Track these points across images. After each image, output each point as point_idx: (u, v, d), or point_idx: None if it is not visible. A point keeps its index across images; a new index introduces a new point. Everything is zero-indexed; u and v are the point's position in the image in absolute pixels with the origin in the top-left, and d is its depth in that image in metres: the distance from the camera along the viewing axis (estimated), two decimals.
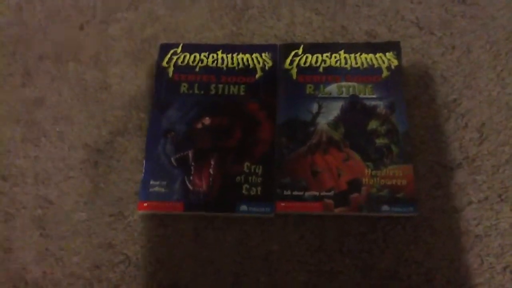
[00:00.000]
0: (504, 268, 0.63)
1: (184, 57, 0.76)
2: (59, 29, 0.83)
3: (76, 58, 0.81)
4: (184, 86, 0.73)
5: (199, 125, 0.71)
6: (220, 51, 0.76)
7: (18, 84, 0.79)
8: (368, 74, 0.72)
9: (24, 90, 0.79)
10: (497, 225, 0.65)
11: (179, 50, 0.76)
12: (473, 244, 0.64)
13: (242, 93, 0.73)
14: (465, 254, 0.64)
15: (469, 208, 0.66)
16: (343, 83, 0.72)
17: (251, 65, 0.75)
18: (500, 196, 0.66)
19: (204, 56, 0.76)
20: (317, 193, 0.65)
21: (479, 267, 0.63)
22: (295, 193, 0.66)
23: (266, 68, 0.74)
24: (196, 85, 0.73)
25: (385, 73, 0.72)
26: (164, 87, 0.74)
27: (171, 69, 0.75)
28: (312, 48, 0.75)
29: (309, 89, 0.72)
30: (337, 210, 0.65)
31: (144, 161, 0.69)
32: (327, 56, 0.74)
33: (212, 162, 0.68)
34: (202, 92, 0.73)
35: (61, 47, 0.82)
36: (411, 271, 0.63)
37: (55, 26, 0.84)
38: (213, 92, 0.73)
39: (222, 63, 0.75)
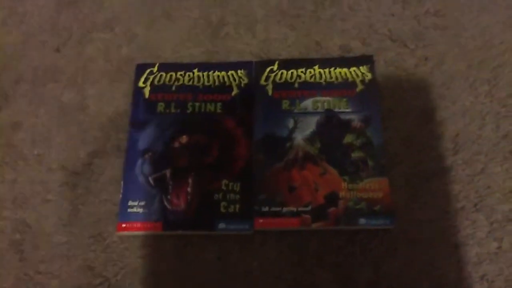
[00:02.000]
0: (482, 277, 0.63)
1: (161, 76, 0.76)
2: (36, 52, 0.83)
3: (53, 80, 0.81)
4: (161, 106, 0.74)
5: (176, 144, 0.71)
6: (196, 69, 0.76)
7: None
8: (342, 88, 0.73)
9: (1, 114, 0.79)
10: (474, 234, 0.66)
11: (155, 69, 0.77)
12: (450, 254, 0.65)
13: (218, 111, 0.73)
14: (443, 264, 0.64)
15: (445, 218, 0.67)
16: (318, 98, 0.73)
17: (227, 83, 0.75)
18: (475, 205, 0.67)
19: (180, 75, 0.76)
20: (294, 209, 0.66)
21: (457, 277, 0.64)
22: (273, 209, 0.66)
23: (242, 85, 0.75)
24: (173, 104, 0.74)
25: (359, 87, 0.73)
26: (141, 107, 0.74)
27: (147, 89, 0.75)
28: (287, 64, 0.76)
29: (285, 104, 0.73)
30: (314, 225, 0.65)
31: (122, 182, 0.69)
32: (302, 72, 0.75)
33: (190, 181, 0.68)
34: (178, 110, 0.73)
35: (38, 70, 0.82)
36: (390, 282, 0.64)
37: (32, 49, 0.84)
38: (189, 110, 0.73)
39: (198, 81, 0.75)
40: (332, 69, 0.74)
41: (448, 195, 0.68)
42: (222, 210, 0.66)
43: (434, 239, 0.66)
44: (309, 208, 0.66)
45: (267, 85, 0.74)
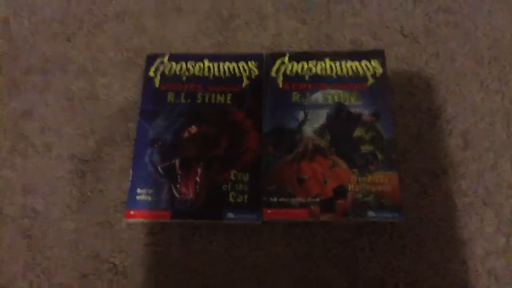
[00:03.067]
0: (489, 272, 0.63)
1: (171, 66, 0.76)
2: (47, 42, 0.84)
3: (63, 70, 0.81)
4: (171, 96, 0.74)
5: (186, 134, 0.71)
6: (207, 60, 0.76)
7: (6, 97, 0.79)
8: (353, 82, 0.73)
9: (12, 103, 0.79)
10: (482, 229, 0.66)
11: (165, 59, 0.77)
12: (458, 249, 0.65)
13: (228, 102, 0.73)
14: (450, 259, 0.64)
15: (454, 214, 0.67)
16: (329, 91, 0.73)
17: (237, 74, 0.75)
18: (484, 201, 0.67)
19: (191, 65, 0.76)
20: (303, 200, 0.66)
21: (464, 272, 0.63)
22: (282, 200, 0.66)
23: (252, 76, 0.75)
24: (183, 94, 0.74)
25: (370, 81, 0.73)
26: (151, 97, 0.74)
27: (158, 79, 0.75)
28: (298, 56, 0.76)
29: (295, 97, 0.73)
30: (323, 217, 0.65)
31: (131, 170, 0.69)
32: (312, 64, 0.75)
33: (199, 171, 0.68)
34: (188, 101, 0.73)
35: (48, 60, 0.82)
36: (397, 278, 0.64)
37: (43, 39, 0.84)
38: (199, 101, 0.73)
39: (209, 72, 0.76)
40: (343, 62, 0.74)
41: (457, 191, 0.68)
42: (231, 200, 0.66)
43: (443, 234, 0.66)
44: (317, 200, 0.65)
45: (277, 77, 0.74)
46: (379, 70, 0.73)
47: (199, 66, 0.76)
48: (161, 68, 0.76)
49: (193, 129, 0.71)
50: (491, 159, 0.70)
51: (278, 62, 0.75)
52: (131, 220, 0.67)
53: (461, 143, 0.71)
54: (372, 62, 0.74)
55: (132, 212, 0.67)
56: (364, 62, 0.74)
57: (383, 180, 0.66)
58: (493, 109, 0.73)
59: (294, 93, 0.73)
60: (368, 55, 0.75)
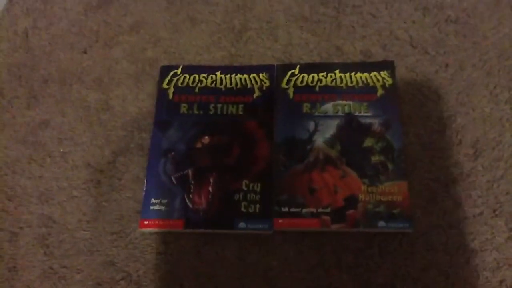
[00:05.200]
0: (500, 282, 0.63)
1: (184, 78, 0.78)
2: (64, 54, 0.86)
3: (80, 81, 0.83)
4: (184, 107, 0.75)
5: (199, 145, 0.72)
6: (219, 72, 0.78)
7: (24, 107, 0.82)
8: (363, 92, 0.74)
9: (30, 112, 0.81)
10: (493, 239, 0.66)
11: (179, 71, 0.78)
12: (469, 258, 0.65)
13: (240, 113, 0.75)
14: (461, 269, 0.64)
15: (464, 223, 0.67)
16: (339, 102, 0.74)
17: (249, 85, 0.76)
18: (495, 211, 0.67)
19: (203, 77, 0.78)
20: (314, 210, 0.67)
21: (475, 282, 0.64)
22: (293, 210, 0.67)
23: (264, 88, 0.76)
24: (196, 105, 0.75)
25: (380, 92, 0.74)
26: (164, 108, 0.76)
27: (171, 90, 0.77)
28: (308, 68, 0.77)
29: (305, 108, 0.74)
30: (334, 227, 0.66)
31: (145, 180, 0.71)
32: (323, 76, 0.76)
33: (211, 180, 0.70)
34: (201, 112, 0.75)
35: (65, 71, 0.84)
36: (408, 286, 0.64)
37: (60, 50, 0.86)
38: (212, 112, 0.75)
39: (221, 83, 0.77)
40: (353, 73, 0.75)
41: (467, 201, 0.68)
42: (243, 209, 0.68)
43: (453, 244, 0.66)
44: (328, 209, 0.66)
45: (288, 88, 0.75)
46: (389, 81, 0.74)
47: (212, 77, 0.77)
48: (175, 80, 0.78)
49: (206, 139, 0.73)
50: (501, 169, 0.70)
51: (289, 73, 0.76)
52: (145, 230, 0.69)
53: (471, 153, 0.71)
54: (382, 73, 0.75)
55: (146, 222, 0.68)
56: (373, 73, 0.75)
57: (393, 190, 0.67)
58: (503, 118, 0.73)
59: (305, 104, 0.74)
60: (377, 66, 0.76)
